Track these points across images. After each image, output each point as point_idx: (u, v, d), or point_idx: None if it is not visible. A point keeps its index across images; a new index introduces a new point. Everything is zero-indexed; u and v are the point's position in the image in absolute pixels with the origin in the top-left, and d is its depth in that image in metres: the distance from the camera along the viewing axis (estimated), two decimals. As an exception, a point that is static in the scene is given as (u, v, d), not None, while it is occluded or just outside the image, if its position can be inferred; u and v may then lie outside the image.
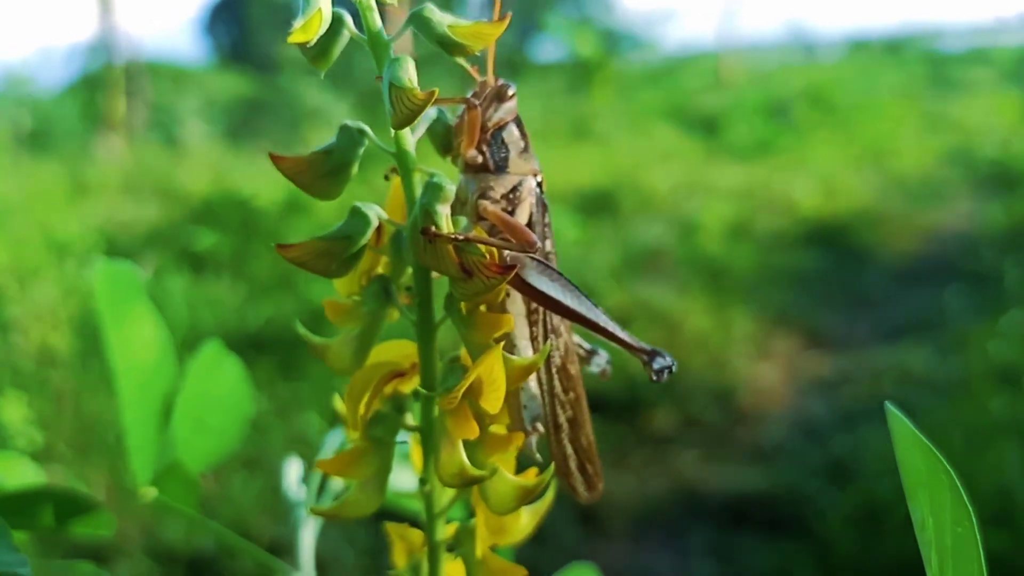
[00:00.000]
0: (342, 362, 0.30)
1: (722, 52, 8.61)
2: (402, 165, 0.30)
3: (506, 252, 0.29)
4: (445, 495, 0.32)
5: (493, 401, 0.28)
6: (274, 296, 2.59)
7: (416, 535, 0.32)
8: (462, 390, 0.28)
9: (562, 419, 0.33)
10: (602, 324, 0.30)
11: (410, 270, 0.31)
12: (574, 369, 0.33)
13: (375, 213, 0.30)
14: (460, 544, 0.32)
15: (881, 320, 2.68)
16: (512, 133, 0.31)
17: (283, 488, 0.47)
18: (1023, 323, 2.22)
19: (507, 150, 0.31)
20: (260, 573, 1.39)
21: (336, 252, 0.29)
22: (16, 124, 5.27)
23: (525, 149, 0.31)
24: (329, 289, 0.32)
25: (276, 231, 2.97)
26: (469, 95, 0.31)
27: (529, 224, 0.31)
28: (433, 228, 0.28)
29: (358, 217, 0.30)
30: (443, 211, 0.29)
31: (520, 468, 0.32)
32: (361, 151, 0.30)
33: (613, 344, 0.31)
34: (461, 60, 0.30)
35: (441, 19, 0.29)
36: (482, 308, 0.30)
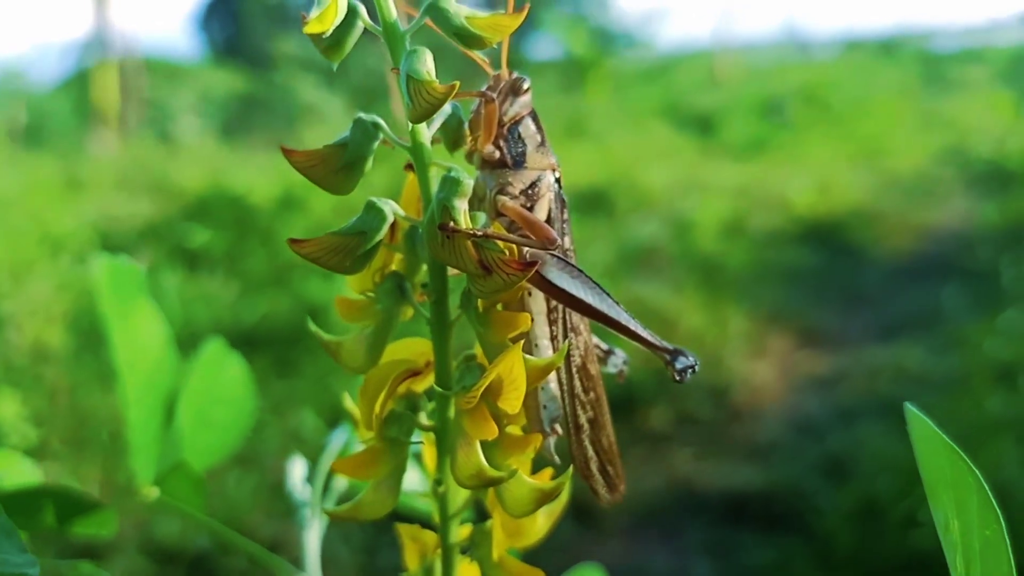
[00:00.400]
0: (355, 360, 0.30)
1: (717, 51, 8.62)
2: (418, 160, 0.29)
3: (526, 249, 0.29)
4: (460, 496, 0.31)
5: (512, 401, 0.27)
6: (268, 293, 2.58)
7: (429, 537, 0.32)
8: (481, 389, 0.27)
9: (583, 420, 0.32)
10: (624, 322, 0.29)
11: (425, 267, 0.30)
12: (594, 369, 0.33)
13: (390, 208, 0.29)
14: (476, 546, 0.31)
15: (876, 318, 2.68)
16: (529, 127, 0.31)
17: (288, 488, 0.46)
18: (1020, 321, 2.22)
19: (524, 145, 0.30)
20: (255, 571, 1.38)
21: (351, 248, 0.28)
22: (11, 119, 5.25)
23: (542, 143, 0.31)
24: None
25: (270, 228, 2.96)
26: (484, 89, 0.30)
27: (548, 220, 0.31)
28: (451, 223, 0.28)
29: (373, 212, 0.29)
30: (461, 206, 0.28)
31: (535, 468, 0.31)
32: (376, 145, 0.29)
33: (633, 343, 0.30)
34: (474, 54, 0.29)
35: (458, 10, 0.28)
36: (499, 306, 0.30)
